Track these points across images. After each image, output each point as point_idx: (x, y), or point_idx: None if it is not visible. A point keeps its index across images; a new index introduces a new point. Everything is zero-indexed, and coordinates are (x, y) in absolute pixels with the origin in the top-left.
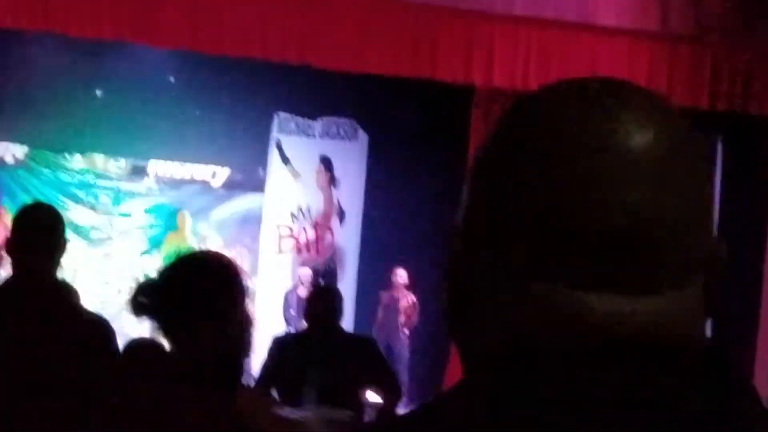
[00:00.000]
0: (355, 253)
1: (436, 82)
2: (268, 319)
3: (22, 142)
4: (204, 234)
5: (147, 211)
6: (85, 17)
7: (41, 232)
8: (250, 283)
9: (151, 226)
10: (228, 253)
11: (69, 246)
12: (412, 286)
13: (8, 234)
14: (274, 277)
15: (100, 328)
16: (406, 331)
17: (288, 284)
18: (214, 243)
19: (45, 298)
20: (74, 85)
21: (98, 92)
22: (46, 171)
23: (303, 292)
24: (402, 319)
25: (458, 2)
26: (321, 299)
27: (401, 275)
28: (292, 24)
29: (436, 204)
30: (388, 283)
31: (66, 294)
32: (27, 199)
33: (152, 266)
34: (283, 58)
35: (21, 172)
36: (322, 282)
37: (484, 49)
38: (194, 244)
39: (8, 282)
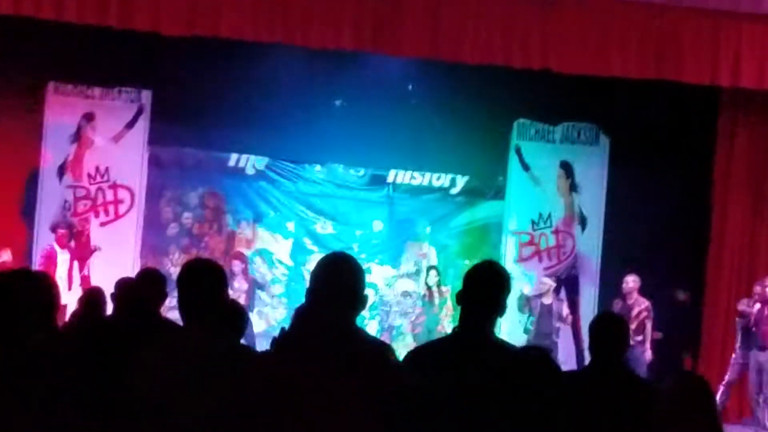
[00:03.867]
0: (596, 260)
1: (681, 85)
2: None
3: (262, 154)
4: (444, 242)
5: (386, 220)
6: (326, 29)
7: None
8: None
9: (391, 236)
10: (467, 261)
11: (311, 257)
12: (646, 292)
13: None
14: (515, 285)
15: None
16: (639, 338)
17: (528, 292)
18: (454, 251)
19: None
20: (313, 96)
21: (337, 102)
22: (286, 182)
23: (547, 300)
24: (634, 325)
25: (703, 2)
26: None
27: (634, 281)
28: (533, 30)
29: (678, 209)
30: (620, 291)
31: None
32: (268, 210)
33: (395, 274)
34: (524, 64)
35: (262, 183)
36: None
37: (730, 49)
38: (434, 252)
39: None
